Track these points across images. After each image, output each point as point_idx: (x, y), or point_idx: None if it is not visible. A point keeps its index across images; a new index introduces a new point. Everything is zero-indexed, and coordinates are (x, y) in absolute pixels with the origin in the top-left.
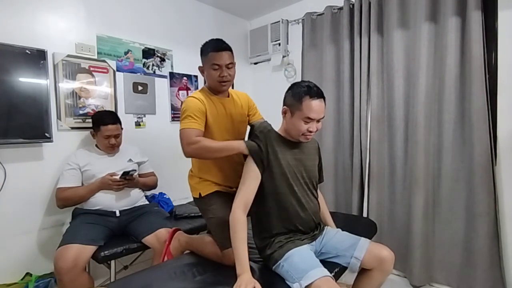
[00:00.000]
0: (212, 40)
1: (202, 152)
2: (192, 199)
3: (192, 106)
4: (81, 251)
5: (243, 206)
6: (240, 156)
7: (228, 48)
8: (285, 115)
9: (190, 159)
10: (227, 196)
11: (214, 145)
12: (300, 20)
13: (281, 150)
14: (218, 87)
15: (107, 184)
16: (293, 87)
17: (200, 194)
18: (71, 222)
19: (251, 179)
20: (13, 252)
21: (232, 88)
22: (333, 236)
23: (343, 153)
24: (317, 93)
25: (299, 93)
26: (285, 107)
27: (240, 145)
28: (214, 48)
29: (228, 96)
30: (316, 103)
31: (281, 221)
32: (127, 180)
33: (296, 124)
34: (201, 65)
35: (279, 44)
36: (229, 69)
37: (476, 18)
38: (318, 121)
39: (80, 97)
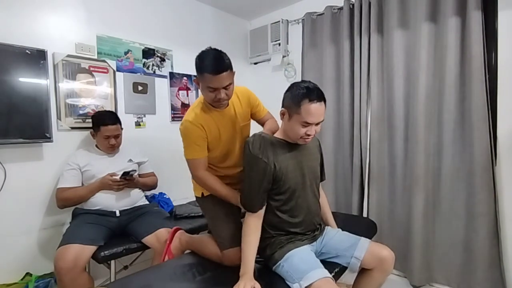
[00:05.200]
0: (208, 57)
1: (205, 188)
2: (192, 199)
3: (191, 135)
4: (81, 251)
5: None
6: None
7: (226, 68)
8: (283, 117)
9: None
10: None
11: (215, 187)
12: (300, 20)
13: (280, 154)
14: (214, 106)
15: (107, 184)
16: (292, 88)
17: (202, 194)
18: (71, 222)
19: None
20: (13, 252)
21: None
22: (333, 236)
23: (343, 153)
24: (317, 96)
25: (298, 96)
26: (283, 108)
27: (236, 200)
28: (211, 71)
29: (228, 105)
30: (315, 107)
31: (282, 223)
32: (127, 180)
33: (294, 128)
34: (196, 77)
35: (279, 44)
36: (227, 90)
37: (476, 18)
38: (317, 124)
39: (80, 97)
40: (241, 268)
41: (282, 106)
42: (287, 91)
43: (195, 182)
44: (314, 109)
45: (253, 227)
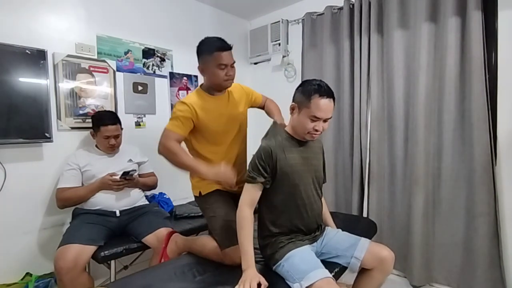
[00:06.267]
0: (213, 39)
1: (168, 157)
2: (192, 199)
3: (180, 112)
4: (81, 251)
5: (249, 202)
6: (240, 168)
7: (231, 47)
8: (293, 111)
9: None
10: (228, 195)
11: (181, 156)
12: (300, 20)
13: (289, 149)
14: (223, 85)
15: (107, 184)
16: (304, 84)
17: (200, 193)
18: (71, 222)
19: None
20: (13, 252)
21: None
22: (334, 236)
23: (343, 153)
24: (327, 92)
25: (309, 90)
26: (293, 103)
27: (206, 173)
28: (220, 48)
29: (224, 93)
30: (324, 102)
31: (284, 221)
32: (127, 180)
33: (303, 122)
34: (199, 64)
35: (279, 44)
36: (232, 68)
37: (476, 18)
38: (325, 120)
39: (80, 97)
40: (243, 262)
41: (293, 101)
42: (298, 87)
43: (161, 152)
44: (323, 104)
45: (248, 217)
